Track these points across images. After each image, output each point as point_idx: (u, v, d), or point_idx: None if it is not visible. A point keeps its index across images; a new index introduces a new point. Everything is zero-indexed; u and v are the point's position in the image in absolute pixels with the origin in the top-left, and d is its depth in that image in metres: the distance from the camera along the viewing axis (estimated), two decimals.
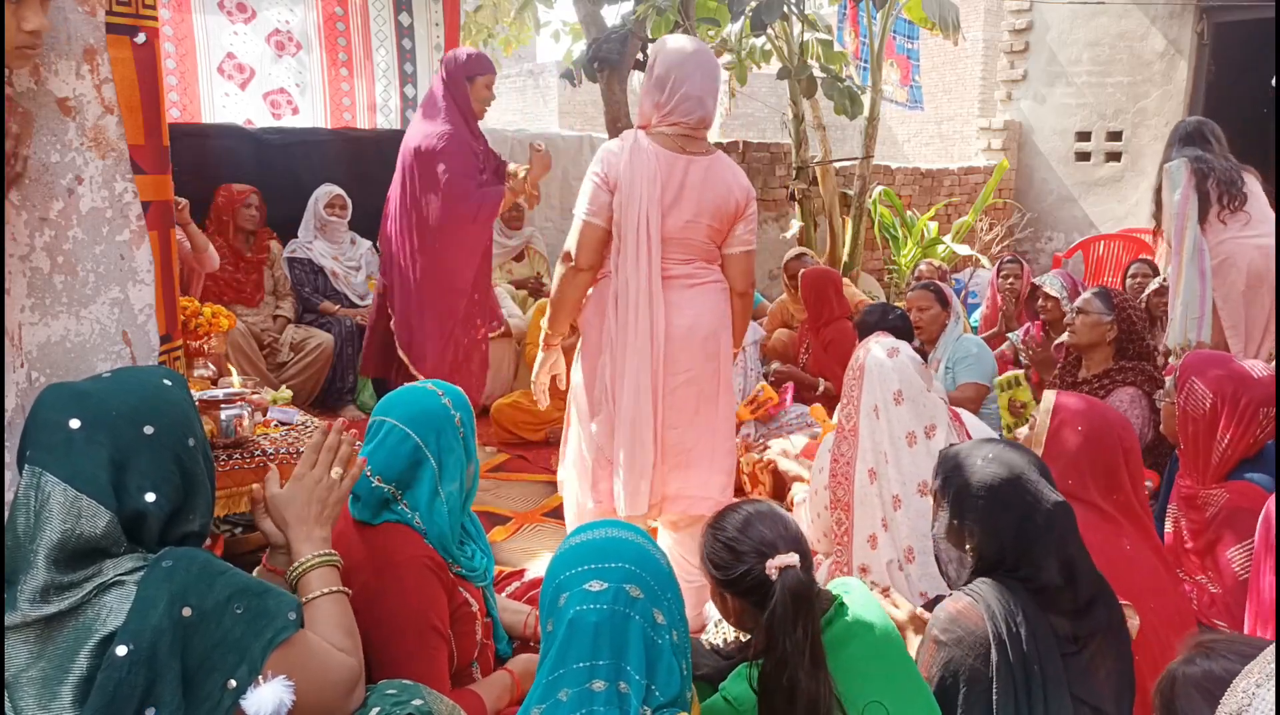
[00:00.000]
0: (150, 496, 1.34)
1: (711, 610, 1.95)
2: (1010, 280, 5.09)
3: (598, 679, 1.28)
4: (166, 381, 1.45)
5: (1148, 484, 2.72)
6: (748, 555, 1.60)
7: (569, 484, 2.88)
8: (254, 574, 1.65)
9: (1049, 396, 2.32)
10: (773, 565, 1.54)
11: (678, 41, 2.69)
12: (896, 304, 4.42)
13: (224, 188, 4.52)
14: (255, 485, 1.65)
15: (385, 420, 1.84)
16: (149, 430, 1.36)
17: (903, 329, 3.44)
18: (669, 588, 1.36)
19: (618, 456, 2.67)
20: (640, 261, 2.59)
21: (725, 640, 2.04)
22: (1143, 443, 3.11)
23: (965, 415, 3.04)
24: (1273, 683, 1.04)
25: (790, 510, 3.24)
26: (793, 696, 1.47)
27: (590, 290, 2.75)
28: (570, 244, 2.70)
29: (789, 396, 4.23)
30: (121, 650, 1.22)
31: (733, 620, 1.69)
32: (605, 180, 2.63)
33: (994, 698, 1.68)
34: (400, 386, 1.98)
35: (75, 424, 1.32)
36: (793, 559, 1.54)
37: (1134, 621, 1.89)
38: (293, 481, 1.59)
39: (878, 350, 2.71)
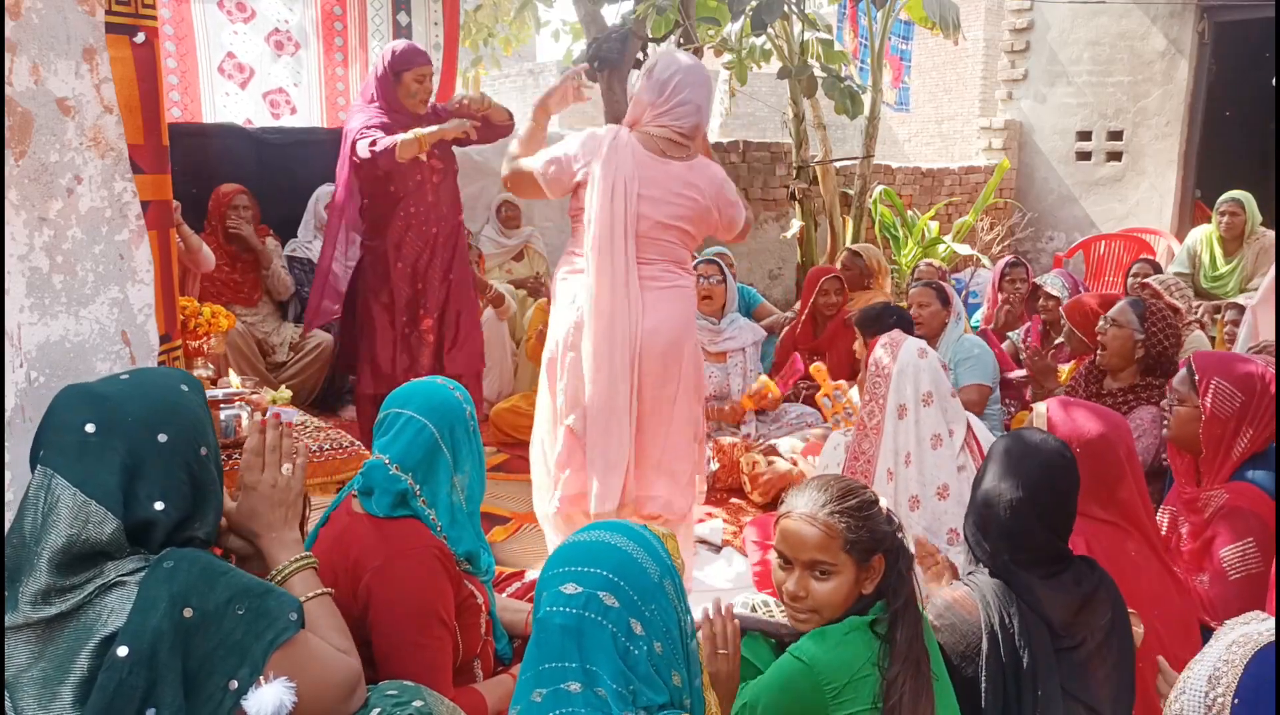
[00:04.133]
0: (159, 505, 1.34)
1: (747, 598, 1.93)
2: (1019, 284, 5.08)
3: (571, 680, 1.27)
4: (184, 387, 1.44)
5: None
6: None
7: (535, 463, 2.92)
8: None
9: (1039, 413, 2.30)
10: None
11: (680, 53, 2.77)
12: (898, 303, 4.42)
13: (216, 189, 4.51)
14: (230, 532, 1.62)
15: (402, 412, 1.85)
16: (163, 438, 1.35)
17: (906, 319, 3.40)
18: (653, 599, 1.33)
19: (592, 454, 2.69)
20: (617, 259, 2.61)
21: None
22: (1156, 464, 3.01)
23: (971, 418, 3.04)
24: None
25: None
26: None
27: (560, 280, 2.78)
28: (517, 169, 2.76)
29: (793, 381, 4.21)
30: (122, 651, 1.22)
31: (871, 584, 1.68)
32: (576, 163, 2.67)
33: (982, 685, 1.71)
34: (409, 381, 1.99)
35: (90, 428, 1.31)
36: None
37: (1138, 630, 1.90)
38: (246, 493, 1.55)
39: (907, 352, 2.70)
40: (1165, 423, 2.53)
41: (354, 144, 3.45)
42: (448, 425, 1.86)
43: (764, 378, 4.21)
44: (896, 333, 2.84)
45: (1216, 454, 2.40)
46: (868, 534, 1.64)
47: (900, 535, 1.71)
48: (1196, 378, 2.43)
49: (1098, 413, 2.25)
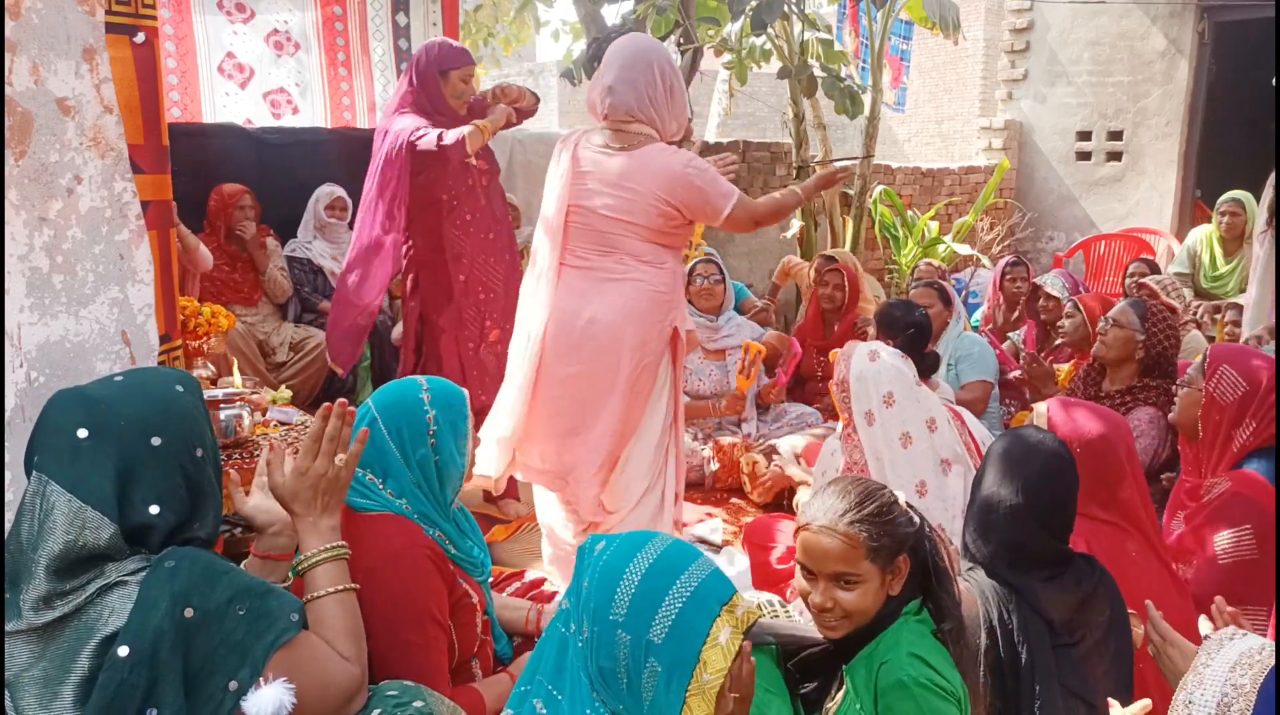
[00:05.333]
0: (154, 509, 1.33)
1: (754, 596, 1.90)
2: (1019, 283, 5.07)
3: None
4: (179, 387, 1.43)
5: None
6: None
7: None
8: (243, 564, 1.64)
9: (1040, 413, 2.30)
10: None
11: (630, 37, 2.71)
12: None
13: (216, 189, 4.51)
14: (241, 489, 1.65)
15: (368, 407, 1.86)
16: (156, 441, 1.35)
17: (925, 327, 3.34)
18: (594, 622, 1.37)
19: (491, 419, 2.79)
20: (542, 246, 2.68)
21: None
22: (1156, 464, 3.03)
23: (965, 415, 3.03)
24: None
25: (795, 513, 3.23)
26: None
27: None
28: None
29: (793, 364, 4.20)
30: (123, 651, 1.22)
31: (898, 584, 1.64)
32: None
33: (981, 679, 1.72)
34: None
35: (83, 433, 1.31)
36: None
37: (1139, 630, 1.90)
38: (296, 475, 1.55)
39: (859, 359, 2.69)
40: (1172, 405, 2.59)
41: (412, 143, 3.22)
42: (395, 421, 1.83)
43: (748, 341, 4.09)
44: (850, 343, 2.82)
45: (1215, 439, 2.43)
46: (889, 539, 1.59)
47: (925, 530, 1.67)
48: (1207, 363, 2.48)
49: (1098, 413, 2.25)
